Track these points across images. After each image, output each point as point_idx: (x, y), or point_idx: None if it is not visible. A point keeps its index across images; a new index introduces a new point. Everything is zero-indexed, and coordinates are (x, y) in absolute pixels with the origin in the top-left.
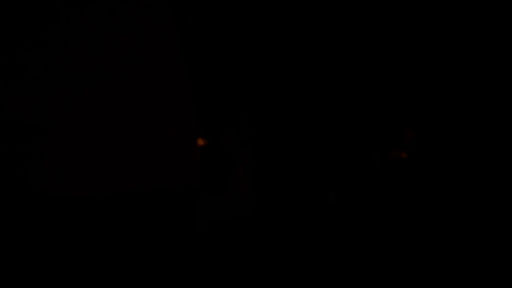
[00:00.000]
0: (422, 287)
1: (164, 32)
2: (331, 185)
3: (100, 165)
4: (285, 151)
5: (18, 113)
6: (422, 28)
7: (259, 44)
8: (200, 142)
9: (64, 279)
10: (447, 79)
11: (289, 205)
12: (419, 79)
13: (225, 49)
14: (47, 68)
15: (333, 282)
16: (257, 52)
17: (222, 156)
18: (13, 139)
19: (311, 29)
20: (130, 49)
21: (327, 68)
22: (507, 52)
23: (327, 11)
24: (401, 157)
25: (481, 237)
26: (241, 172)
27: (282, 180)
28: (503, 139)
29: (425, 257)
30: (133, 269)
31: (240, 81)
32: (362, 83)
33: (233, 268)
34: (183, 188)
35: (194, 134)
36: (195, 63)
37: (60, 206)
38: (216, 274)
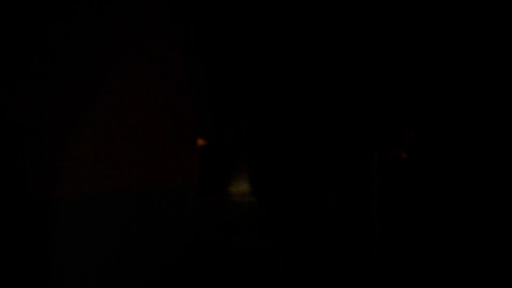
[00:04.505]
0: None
1: (164, 31)
2: (331, 185)
3: (96, 166)
4: (285, 151)
5: (13, 113)
6: (422, 28)
7: (258, 43)
8: (200, 142)
9: (62, 278)
10: (448, 79)
11: (289, 205)
12: (419, 80)
13: (226, 48)
14: (45, 67)
15: (333, 281)
16: (257, 52)
17: (222, 156)
18: (8, 139)
19: (311, 31)
20: (130, 48)
21: (327, 68)
22: (507, 53)
23: (326, 12)
24: (401, 157)
25: (482, 238)
26: (241, 172)
27: (282, 180)
28: (504, 140)
29: (426, 257)
30: (131, 267)
31: (241, 81)
32: (362, 84)
33: (233, 269)
34: (182, 187)
35: (194, 134)
36: (196, 63)
37: (60, 205)
38: (215, 275)
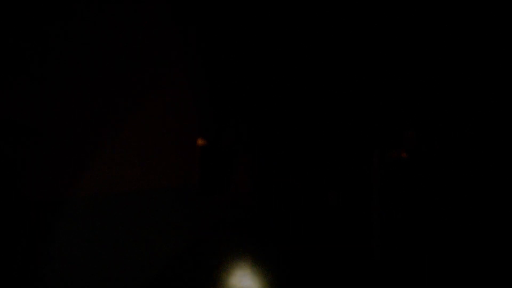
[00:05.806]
0: (421, 286)
1: (164, 31)
2: (332, 185)
3: (97, 166)
4: (285, 150)
5: (12, 112)
6: (422, 28)
7: (258, 43)
8: (200, 142)
9: (62, 277)
10: (447, 79)
11: (290, 205)
12: (419, 80)
13: (226, 48)
14: (45, 67)
15: (334, 281)
16: (257, 52)
17: (222, 156)
18: (6, 139)
19: (311, 31)
20: (129, 48)
21: (327, 69)
22: (507, 53)
23: (326, 12)
24: (401, 157)
25: (481, 238)
26: (241, 173)
27: (282, 180)
28: (504, 140)
29: (426, 256)
30: (132, 266)
31: (241, 81)
32: (362, 84)
33: (232, 269)
34: (182, 187)
35: (194, 134)
36: (196, 63)
37: (61, 205)
38: (215, 275)
